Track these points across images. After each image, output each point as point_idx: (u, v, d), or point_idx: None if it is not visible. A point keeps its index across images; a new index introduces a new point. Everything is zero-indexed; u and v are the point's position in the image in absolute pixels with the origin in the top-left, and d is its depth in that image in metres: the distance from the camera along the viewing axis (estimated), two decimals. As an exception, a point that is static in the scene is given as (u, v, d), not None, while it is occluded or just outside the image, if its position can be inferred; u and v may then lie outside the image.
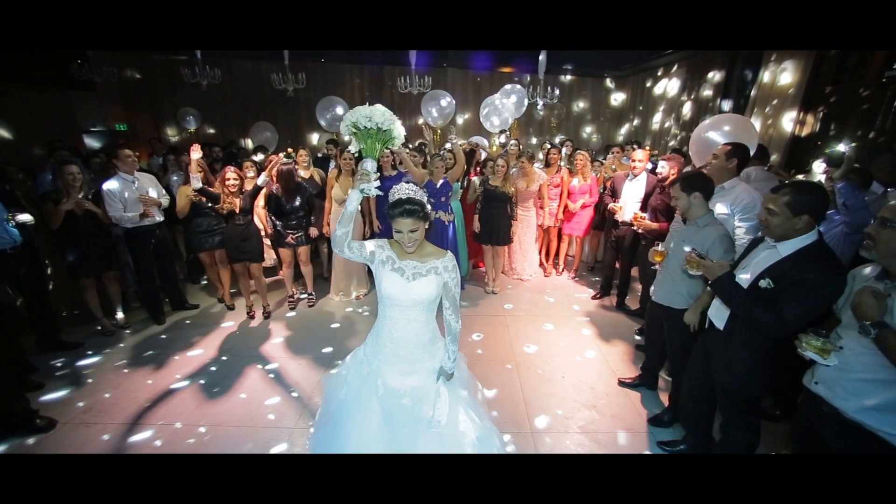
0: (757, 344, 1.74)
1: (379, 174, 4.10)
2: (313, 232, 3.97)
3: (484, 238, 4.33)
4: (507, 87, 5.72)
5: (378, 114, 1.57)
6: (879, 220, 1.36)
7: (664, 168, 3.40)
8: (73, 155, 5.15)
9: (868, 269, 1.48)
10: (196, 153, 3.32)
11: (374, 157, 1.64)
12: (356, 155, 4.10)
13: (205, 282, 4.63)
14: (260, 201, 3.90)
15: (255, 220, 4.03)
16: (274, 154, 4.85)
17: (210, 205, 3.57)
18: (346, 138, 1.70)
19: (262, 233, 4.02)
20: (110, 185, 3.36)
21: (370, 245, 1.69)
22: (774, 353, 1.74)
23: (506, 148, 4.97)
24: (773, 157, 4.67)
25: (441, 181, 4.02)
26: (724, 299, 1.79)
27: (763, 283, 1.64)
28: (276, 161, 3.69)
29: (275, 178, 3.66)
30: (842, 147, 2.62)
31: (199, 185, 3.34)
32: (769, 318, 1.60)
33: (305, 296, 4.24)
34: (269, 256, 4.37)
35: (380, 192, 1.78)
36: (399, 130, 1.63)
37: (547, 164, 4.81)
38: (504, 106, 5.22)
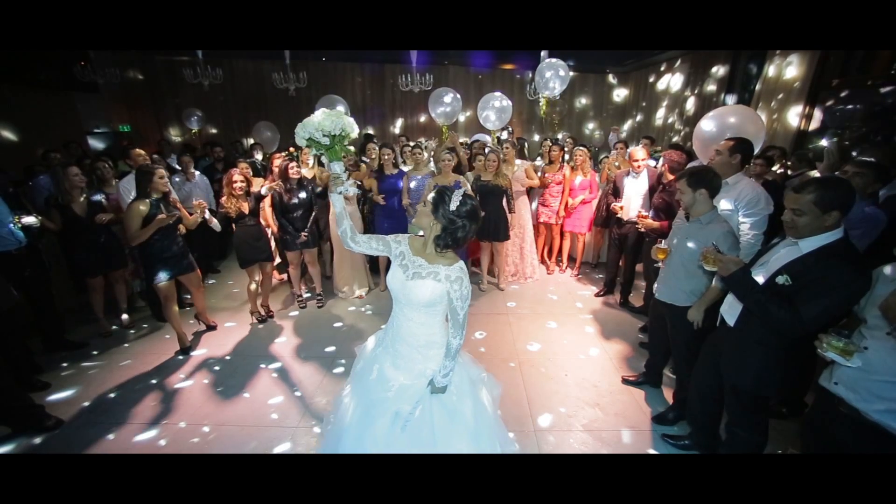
0: (771, 342, 1.70)
1: (361, 177, 4.18)
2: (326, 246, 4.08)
3: (482, 234, 4.23)
4: (547, 60, 5.40)
5: (328, 123, 1.56)
6: None
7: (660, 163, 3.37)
8: (77, 157, 5.20)
9: (889, 269, 1.44)
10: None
11: (339, 159, 1.67)
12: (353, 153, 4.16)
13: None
14: (266, 201, 3.91)
15: (262, 221, 4.05)
16: (277, 153, 4.85)
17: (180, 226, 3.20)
18: (304, 148, 1.71)
19: (271, 234, 4.03)
20: (127, 183, 3.49)
21: (383, 240, 1.71)
22: (788, 352, 1.70)
23: (502, 144, 4.96)
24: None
25: (422, 175, 4.08)
26: (739, 295, 1.74)
27: (780, 280, 1.59)
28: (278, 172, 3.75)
29: (276, 176, 3.72)
30: (824, 142, 2.59)
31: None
32: (786, 316, 1.55)
33: (308, 295, 4.24)
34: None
35: (357, 190, 1.78)
36: (351, 125, 1.62)
37: (549, 161, 4.79)
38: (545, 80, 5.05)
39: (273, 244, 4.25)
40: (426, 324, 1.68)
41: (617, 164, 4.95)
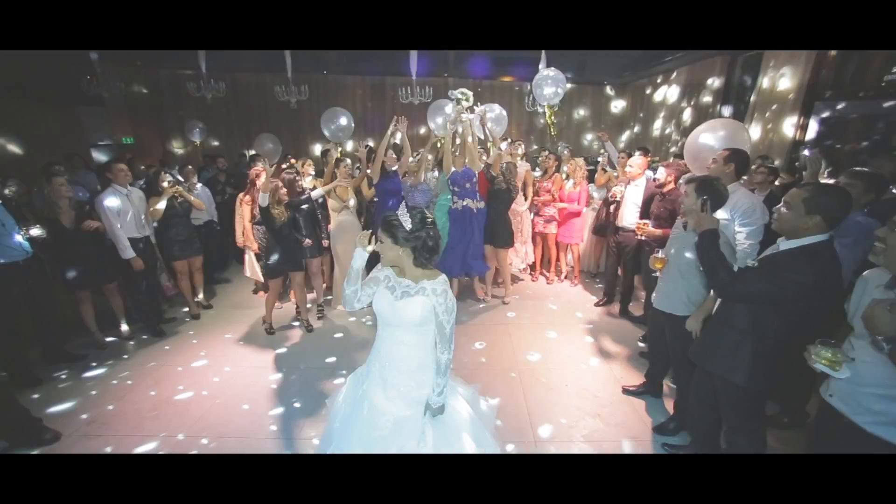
0: (757, 332, 1.71)
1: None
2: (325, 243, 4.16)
3: (486, 238, 4.24)
4: (545, 72, 5.41)
5: None
6: (891, 223, 1.31)
7: (661, 174, 3.42)
8: (85, 167, 5.27)
9: (872, 274, 1.43)
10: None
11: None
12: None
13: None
14: (247, 215, 3.96)
15: (240, 234, 4.15)
16: (276, 164, 4.90)
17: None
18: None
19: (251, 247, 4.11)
20: (104, 198, 3.39)
21: (372, 279, 1.69)
22: (776, 344, 1.70)
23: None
24: (776, 162, 4.65)
25: (463, 169, 4.07)
26: (701, 251, 1.83)
27: (749, 263, 1.69)
28: (260, 173, 3.79)
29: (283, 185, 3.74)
30: (806, 152, 2.60)
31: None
32: (725, 279, 1.66)
33: (309, 306, 4.24)
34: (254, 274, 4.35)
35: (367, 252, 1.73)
36: None
37: (544, 172, 4.85)
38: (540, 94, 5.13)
39: (257, 266, 4.27)
40: (418, 345, 1.63)
41: (616, 174, 4.99)
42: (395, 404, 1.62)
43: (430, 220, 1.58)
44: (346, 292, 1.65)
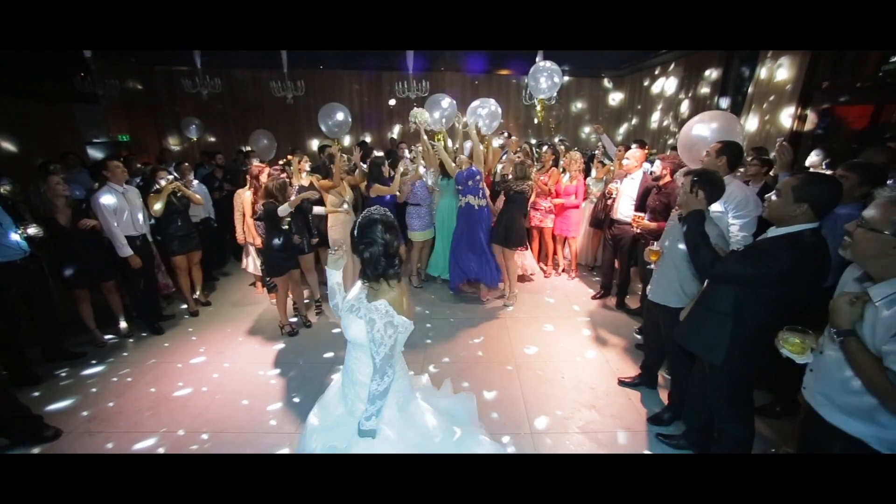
0: (735, 312, 1.74)
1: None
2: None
3: (497, 237, 4.20)
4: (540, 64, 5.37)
5: None
6: (860, 219, 1.31)
7: (657, 167, 3.42)
8: (81, 165, 5.26)
9: (856, 265, 1.43)
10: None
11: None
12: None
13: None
14: (248, 210, 3.96)
15: (241, 230, 4.20)
16: (263, 162, 4.90)
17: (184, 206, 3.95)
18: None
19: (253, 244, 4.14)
20: (100, 196, 3.38)
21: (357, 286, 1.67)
22: (754, 326, 1.71)
23: (505, 150, 5.03)
24: (772, 155, 4.64)
25: (466, 168, 4.12)
26: (687, 232, 1.88)
27: (736, 247, 1.75)
28: (262, 169, 3.88)
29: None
30: (777, 142, 2.58)
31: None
32: (706, 259, 1.72)
33: (307, 301, 4.26)
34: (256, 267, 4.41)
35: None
36: None
37: (542, 165, 4.84)
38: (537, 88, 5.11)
39: (258, 261, 4.30)
40: (363, 361, 1.57)
41: (613, 167, 4.99)
42: (343, 404, 1.65)
43: (381, 233, 1.43)
44: (331, 305, 1.70)
